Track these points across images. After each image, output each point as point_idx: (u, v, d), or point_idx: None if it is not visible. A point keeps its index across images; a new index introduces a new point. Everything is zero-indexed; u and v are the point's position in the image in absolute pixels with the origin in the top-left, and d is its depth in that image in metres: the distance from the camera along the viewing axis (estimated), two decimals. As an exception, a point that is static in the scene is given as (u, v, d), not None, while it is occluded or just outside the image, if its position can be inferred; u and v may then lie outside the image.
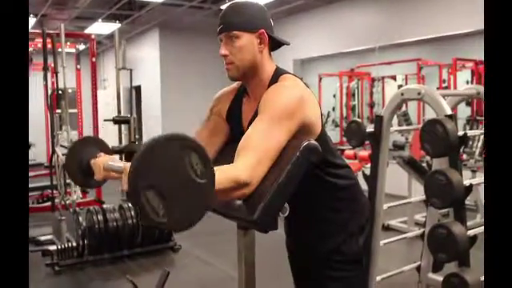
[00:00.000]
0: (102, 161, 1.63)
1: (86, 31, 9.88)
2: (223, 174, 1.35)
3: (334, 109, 11.17)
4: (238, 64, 1.63)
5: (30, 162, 7.59)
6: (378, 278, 3.05)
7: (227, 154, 1.60)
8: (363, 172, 3.44)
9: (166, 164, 1.18)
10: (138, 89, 11.49)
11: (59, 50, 5.28)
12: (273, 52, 1.72)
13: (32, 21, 9.08)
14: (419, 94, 2.70)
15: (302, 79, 1.67)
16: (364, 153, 5.59)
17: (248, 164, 1.41)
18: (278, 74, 1.67)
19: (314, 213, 1.74)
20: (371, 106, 10.25)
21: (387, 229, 5.23)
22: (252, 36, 1.62)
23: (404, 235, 3.41)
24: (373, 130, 2.94)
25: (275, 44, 1.71)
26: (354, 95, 10.67)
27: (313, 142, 1.49)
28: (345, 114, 10.35)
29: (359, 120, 2.88)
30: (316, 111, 1.62)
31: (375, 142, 2.93)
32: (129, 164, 1.19)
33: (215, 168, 1.35)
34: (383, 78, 10.02)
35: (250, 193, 1.42)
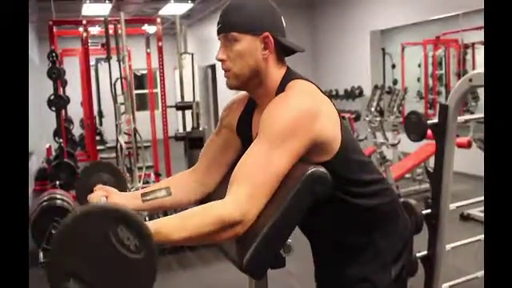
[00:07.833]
0: (93, 197, 1.47)
1: (161, 12, 9.94)
2: (207, 215, 1.17)
3: (418, 79, 10.56)
4: (237, 72, 1.37)
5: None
6: (445, 286, 2.69)
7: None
8: (426, 168, 2.98)
9: (87, 245, 0.96)
10: (213, 68, 11.46)
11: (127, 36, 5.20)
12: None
13: (108, 6, 9.23)
14: (490, 80, 2.28)
15: (315, 88, 1.38)
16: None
17: (240, 199, 1.20)
18: (286, 80, 1.39)
19: (338, 238, 1.47)
20: (459, 75, 9.50)
21: (467, 219, 4.73)
22: (255, 39, 1.35)
23: (479, 237, 2.97)
24: (436, 121, 2.56)
25: (289, 49, 1.42)
26: (440, 64, 9.97)
27: (319, 169, 1.23)
28: (431, 85, 9.73)
29: (419, 112, 2.55)
30: (332, 123, 1.34)
31: (440, 135, 2.55)
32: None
33: (200, 206, 1.19)
34: (473, 44, 9.19)
35: (244, 231, 1.21)
